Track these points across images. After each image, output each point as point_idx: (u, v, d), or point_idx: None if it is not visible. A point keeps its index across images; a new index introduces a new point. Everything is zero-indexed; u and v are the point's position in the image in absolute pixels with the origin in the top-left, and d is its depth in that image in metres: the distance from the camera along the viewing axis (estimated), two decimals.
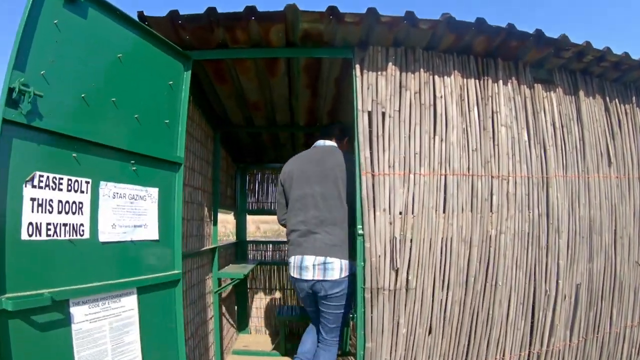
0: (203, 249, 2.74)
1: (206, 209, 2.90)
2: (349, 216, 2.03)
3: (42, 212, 1.25)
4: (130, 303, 1.59)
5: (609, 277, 2.21)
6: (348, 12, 1.74)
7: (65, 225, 1.32)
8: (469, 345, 1.96)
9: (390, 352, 1.85)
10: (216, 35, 1.88)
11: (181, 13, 1.71)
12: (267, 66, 2.33)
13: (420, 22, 1.81)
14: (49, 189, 1.28)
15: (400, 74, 1.98)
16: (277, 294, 4.23)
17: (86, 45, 1.41)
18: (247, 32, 1.87)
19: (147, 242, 1.68)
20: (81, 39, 1.39)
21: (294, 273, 2.09)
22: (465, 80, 2.03)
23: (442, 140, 1.97)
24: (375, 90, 1.96)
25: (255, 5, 1.72)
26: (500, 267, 1.96)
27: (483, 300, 1.96)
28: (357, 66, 1.95)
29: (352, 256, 2.00)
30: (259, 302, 4.21)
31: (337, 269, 2.00)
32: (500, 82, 2.06)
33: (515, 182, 2.03)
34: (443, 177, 1.96)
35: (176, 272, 1.82)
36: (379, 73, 1.96)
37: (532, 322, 2.04)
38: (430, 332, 1.91)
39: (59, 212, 1.31)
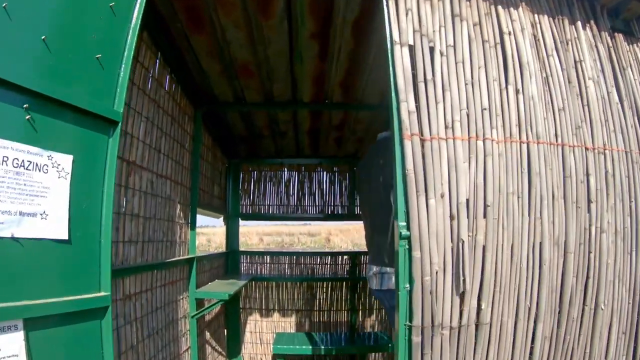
0: (172, 259, 2.04)
1: (179, 206, 2.22)
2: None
3: None
4: (9, 346, 0.90)
5: None
6: None
7: None
8: None
9: None
10: None
11: None
12: (259, 2, 1.69)
13: None
14: None
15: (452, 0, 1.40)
16: (276, 316, 3.62)
17: None
18: None
19: (45, 243, 1.00)
20: None
21: None
22: (536, 16, 1.53)
23: (517, 91, 1.34)
24: (418, 17, 1.33)
25: None
26: (602, 281, 1.38)
27: (580, 331, 1.37)
28: None
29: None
30: (254, 326, 3.63)
31: None
32: (579, 24, 1.57)
33: (612, 159, 1.46)
34: (525, 146, 1.28)
35: (102, 294, 1.12)
36: None
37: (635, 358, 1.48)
38: None
39: None
